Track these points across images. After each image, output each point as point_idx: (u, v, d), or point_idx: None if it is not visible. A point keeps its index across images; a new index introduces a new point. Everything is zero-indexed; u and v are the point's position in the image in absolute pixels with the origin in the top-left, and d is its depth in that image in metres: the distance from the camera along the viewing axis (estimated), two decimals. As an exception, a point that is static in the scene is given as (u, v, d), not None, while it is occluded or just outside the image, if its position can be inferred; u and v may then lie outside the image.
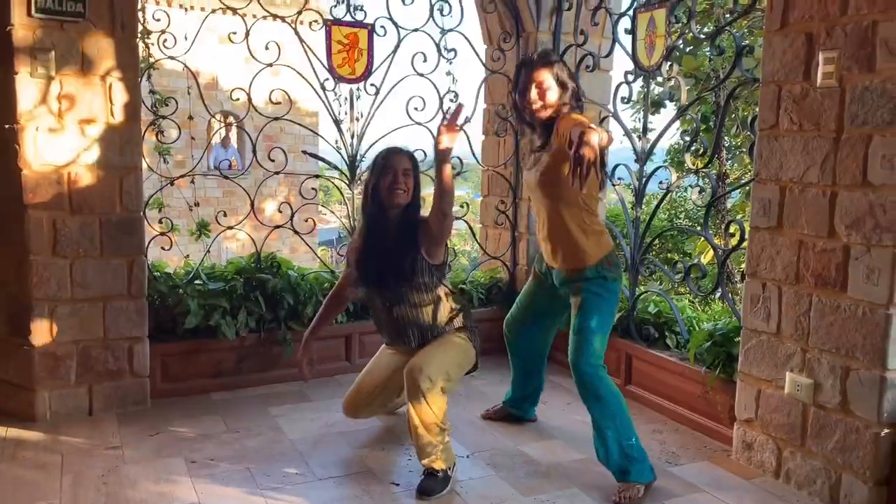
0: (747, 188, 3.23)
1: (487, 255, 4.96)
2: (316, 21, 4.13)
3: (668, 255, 7.61)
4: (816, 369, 2.91)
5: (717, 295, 3.83)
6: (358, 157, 4.37)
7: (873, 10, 2.64)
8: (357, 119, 4.46)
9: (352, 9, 4.25)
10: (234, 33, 3.96)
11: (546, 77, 3.06)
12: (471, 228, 5.07)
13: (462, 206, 4.85)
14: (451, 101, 4.56)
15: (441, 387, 2.98)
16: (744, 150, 5.87)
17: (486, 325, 4.54)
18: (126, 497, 2.87)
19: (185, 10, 4.31)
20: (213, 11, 4.08)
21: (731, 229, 3.45)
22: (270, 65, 4.00)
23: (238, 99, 4.04)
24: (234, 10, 3.96)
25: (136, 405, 3.76)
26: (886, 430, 2.71)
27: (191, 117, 4.21)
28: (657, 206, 4.01)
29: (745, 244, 3.30)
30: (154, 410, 3.75)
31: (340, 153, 4.38)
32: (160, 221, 3.94)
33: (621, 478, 2.97)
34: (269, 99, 4.14)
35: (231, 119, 15.98)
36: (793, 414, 3.02)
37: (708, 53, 3.64)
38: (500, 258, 4.91)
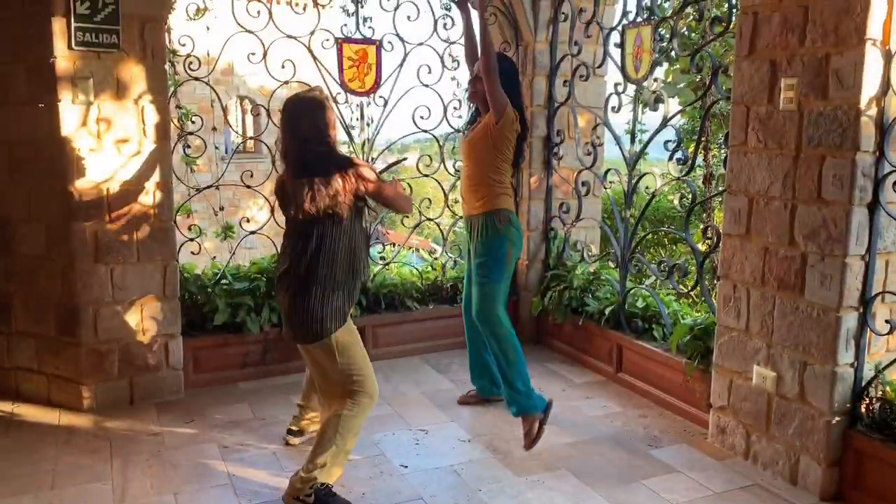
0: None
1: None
2: (328, 40, 4.46)
3: (678, 246, 7.75)
4: (779, 363, 3.26)
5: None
6: (369, 162, 4.71)
7: (826, 44, 2.94)
8: (368, 125, 4.82)
9: (361, 22, 4.57)
10: (253, 54, 4.30)
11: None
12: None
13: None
14: (455, 108, 4.89)
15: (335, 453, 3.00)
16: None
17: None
18: (169, 477, 3.29)
19: (208, 28, 4.63)
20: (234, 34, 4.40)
21: (709, 234, 3.79)
22: (287, 82, 4.34)
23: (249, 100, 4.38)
24: (253, 32, 4.30)
25: (172, 395, 4.17)
26: (837, 418, 3.06)
27: (214, 128, 4.57)
28: (643, 211, 4.33)
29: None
30: (188, 400, 4.16)
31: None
32: (189, 228, 4.33)
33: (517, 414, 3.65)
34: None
35: (247, 104, 16.45)
36: (759, 402, 3.37)
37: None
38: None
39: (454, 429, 3.82)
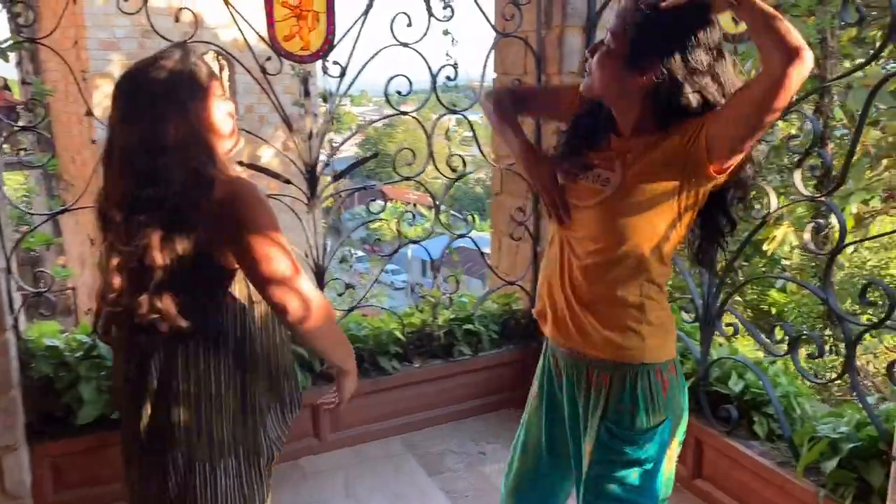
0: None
1: (500, 279, 3.78)
2: (248, -25, 2.87)
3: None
4: None
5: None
6: (319, 166, 3.16)
7: None
8: (326, 100, 3.30)
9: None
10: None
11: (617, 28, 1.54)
12: (477, 247, 3.84)
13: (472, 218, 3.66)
14: (449, 78, 3.32)
15: None
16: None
17: (501, 370, 3.59)
18: None
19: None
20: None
21: (870, 295, 2.26)
22: (184, 42, 2.78)
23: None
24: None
25: (14, 535, 2.71)
26: None
27: (93, 141, 3.04)
28: (746, 240, 2.79)
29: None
30: (39, 541, 2.71)
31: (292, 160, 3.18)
32: (35, 276, 2.80)
33: None
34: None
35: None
36: None
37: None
38: (517, 282, 3.74)
39: None
